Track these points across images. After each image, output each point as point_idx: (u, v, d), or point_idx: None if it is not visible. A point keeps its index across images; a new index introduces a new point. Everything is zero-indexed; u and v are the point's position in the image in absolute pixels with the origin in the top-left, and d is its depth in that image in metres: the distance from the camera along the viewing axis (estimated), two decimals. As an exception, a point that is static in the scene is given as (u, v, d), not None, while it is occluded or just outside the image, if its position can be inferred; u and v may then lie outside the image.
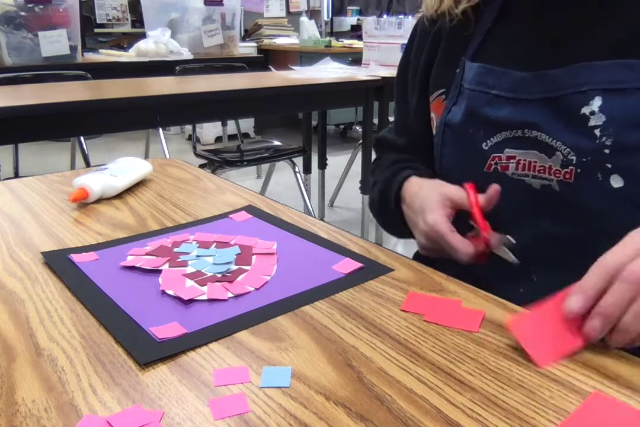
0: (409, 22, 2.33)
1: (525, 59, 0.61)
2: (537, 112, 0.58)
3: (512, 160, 0.60)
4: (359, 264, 0.59)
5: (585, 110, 0.55)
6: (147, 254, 0.62)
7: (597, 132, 0.54)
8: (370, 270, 0.59)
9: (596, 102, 0.54)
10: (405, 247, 2.56)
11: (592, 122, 0.55)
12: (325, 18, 5.77)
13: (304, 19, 4.69)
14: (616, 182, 0.54)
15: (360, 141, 2.42)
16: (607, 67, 0.54)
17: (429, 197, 0.62)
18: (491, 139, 0.62)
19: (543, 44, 0.61)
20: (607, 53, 0.55)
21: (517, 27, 0.63)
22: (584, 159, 0.55)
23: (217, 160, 2.33)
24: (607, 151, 0.54)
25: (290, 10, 4.98)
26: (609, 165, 0.54)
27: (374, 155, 0.89)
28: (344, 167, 3.02)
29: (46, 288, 0.55)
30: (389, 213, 0.73)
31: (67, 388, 0.40)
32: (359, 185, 2.36)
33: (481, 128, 0.62)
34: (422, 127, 0.75)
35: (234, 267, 0.59)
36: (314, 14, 5.54)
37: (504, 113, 0.60)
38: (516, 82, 0.60)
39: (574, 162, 0.56)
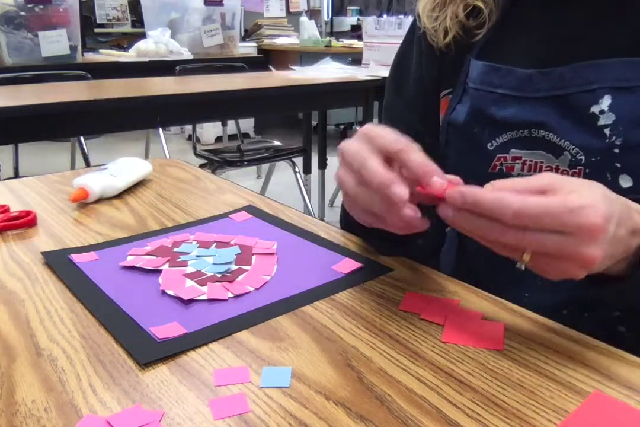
0: (409, 22, 2.32)
1: (532, 56, 0.60)
2: (545, 111, 0.58)
3: (517, 161, 0.60)
4: (359, 264, 0.59)
5: (595, 109, 0.55)
6: (147, 254, 0.62)
7: (606, 131, 0.54)
8: (370, 270, 0.59)
9: (605, 101, 0.54)
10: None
11: (601, 122, 0.54)
12: (325, 18, 5.77)
13: (304, 19, 4.68)
14: (625, 181, 0.54)
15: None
16: (615, 65, 0.54)
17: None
18: (496, 139, 0.61)
19: (550, 41, 0.60)
20: (615, 51, 0.55)
21: (524, 25, 0.63)
22: (593, 159, 0.55)
23: (217, 160, 2.34)
24: (616, 151, 0.54)
25: (290, 10, 4.98)
26: (619, 165, 0.54)
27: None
28: (344, 167, 3.01)
29: (46, 288, 0.55)
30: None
31: (67, 388, 0.40)
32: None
33: (486, 128, 0.62)
34: (424, 126, 0.73)
35: (234, 267, 0.59)
36: (314, 14, 5.55)
37: (510, 113, 0.60)
38: (522, 79, 0.59)
39: (583, 162, 0.56)
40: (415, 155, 0.44)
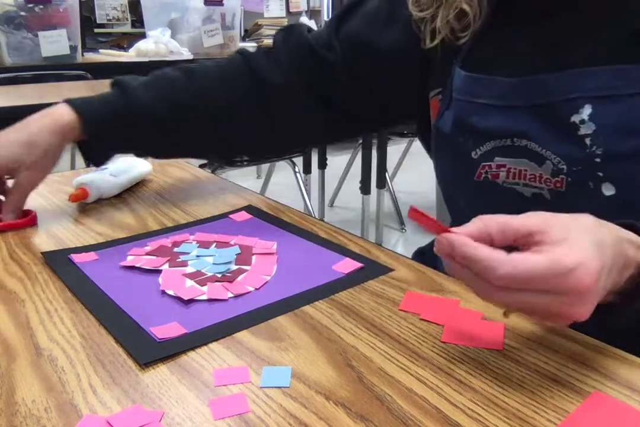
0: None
1: (516, 64, 0.60)
2: (526, 120, 0.57)
3: (502, 169, 0.60)
4: (359, 264, 0.59)
5: (575, 118, 0.54)
6: (147, 254, 0.62)
7: (587, 141, 0.54)
8: (370, 270, 0.59)
9: (586, 111, 0.54)
10: (405, 247, 2.56)
11: (582, 131, 0.54)
12: (325, 18, 5.77)
13: (304, 19, 4.68)
14: (608, 190, 0.54)
15: (360, 141, 2.42)
16: (597, 73, 0.54)
17: None
18: (480, 148, 0.61)
19: (533, 49, 0.60)
20: (599, 59, 0.54)
21: (508, 33, 0.62)
22: (575, 168, 0.55)
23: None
24: (598, 160, 0.53)
25: (290, 10, 4.97)
26: (601, 174, 0.54)
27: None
28: (344, 167, 3.02)
29: (46, 288, 0.55)
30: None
31: (67, 388, 0.40)
32: (359, 185, 2.36)
33: (470, 137, 0.62)
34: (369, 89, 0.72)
35: (234, 267, 0.59)
36: (314, 14, 5.54)
37: (493, 122, 0.59)
38: (504, 88, 0.59)
39: (565, 171, 0.55)
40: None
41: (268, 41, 4.57)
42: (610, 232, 0.41)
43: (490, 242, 0.39)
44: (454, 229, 0.40)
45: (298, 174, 2.55)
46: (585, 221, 0.41)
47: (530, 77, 0.57)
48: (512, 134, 0.58)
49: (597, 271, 0.37)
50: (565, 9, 0.58)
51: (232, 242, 0.65)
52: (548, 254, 0.37)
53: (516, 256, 0.37)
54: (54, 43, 2.55)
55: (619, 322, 0.46)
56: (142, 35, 3.24)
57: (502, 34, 0.63)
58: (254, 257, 0.61)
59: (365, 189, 2.34)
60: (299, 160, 2.60)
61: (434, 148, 0.68)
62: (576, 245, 0.37)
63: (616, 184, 0.53)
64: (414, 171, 2.98)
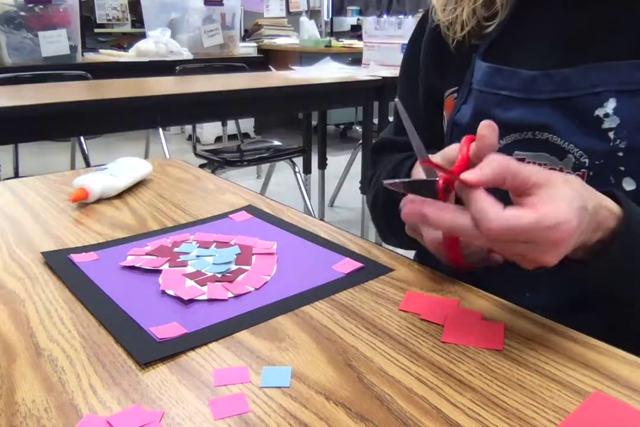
0: (409, 22, 2.33)
1: (538, 58, 0.60)
2: (549, 113, 0.57)
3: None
4: (359, 264, 0.59)
5: (599, 112, 0.54)
6: (147, 254, 0.62)
7: (611, 134, 0.54)
8: (370, 270, 0.59)
9: (610, 104, 0.54)
10: (405, 247, 2.56)
11: (605, 125, 0.54)
12: (325, 18, 5.78)
13: (304, 19, 4.68)
14: (629, 184, 0.54)
15: (360, 141, 2.42)
16: (622, 67, 0.54)
17: None
18: (500, 141, 0.60)
19: (557, 43, 0.60)
20: (624, 53, 0.54)
21: (531, 26, 0.63)
22: (597, 162, 0.55)
23: (217, 160, 2.34)
24: (620, 154, 0.54)
25: (290, 10, 4.97)
26: (622, 168, 0.54)
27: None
28: (344, 167, 3.02)
29: (46, 288, 0.55)
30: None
31: (67, 388, 0.40)
32: (359, 185, 2.37)
33: None
34: (426, 129, 0.74)
35: (234, 267, 0.59)
36: (314, 14, 5.55)
37: (514, 114, 0.59)
38: (527, 81, 0.59)
39: (587, 164, 0.55)
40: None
41: (268, 41, 4.58)
42: (593, 198, 0.45)
43: (502, 185, 0.42)
44: (469, 172, 0.42)
45: (298, 174, 2.56)
46: (576, 185, 0.44)
47: (552, 71, 0.57)
48: (534, 127, 0.58)
49: (575, 229, 0.41)
50: (587, 3, 0.59)
51: (232, 242, 0.65)
52: (538, 209, 0.40)
53: (510, 213, 0.40)
54: (54, 43, 2.56)
55: (582, 276, 0.51)
56: (142, 35, 3.24)
57: (523, 27, 0.63)
58: (254, 257, 0.61)
59: (365, 189, 2.34)
60: (299, 161, 2.60)
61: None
62: (564, 205, 0.41)
63: (637, 179, 0.54)
64: (414, 171, 2.98)
